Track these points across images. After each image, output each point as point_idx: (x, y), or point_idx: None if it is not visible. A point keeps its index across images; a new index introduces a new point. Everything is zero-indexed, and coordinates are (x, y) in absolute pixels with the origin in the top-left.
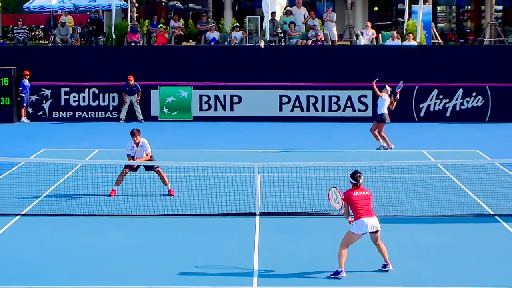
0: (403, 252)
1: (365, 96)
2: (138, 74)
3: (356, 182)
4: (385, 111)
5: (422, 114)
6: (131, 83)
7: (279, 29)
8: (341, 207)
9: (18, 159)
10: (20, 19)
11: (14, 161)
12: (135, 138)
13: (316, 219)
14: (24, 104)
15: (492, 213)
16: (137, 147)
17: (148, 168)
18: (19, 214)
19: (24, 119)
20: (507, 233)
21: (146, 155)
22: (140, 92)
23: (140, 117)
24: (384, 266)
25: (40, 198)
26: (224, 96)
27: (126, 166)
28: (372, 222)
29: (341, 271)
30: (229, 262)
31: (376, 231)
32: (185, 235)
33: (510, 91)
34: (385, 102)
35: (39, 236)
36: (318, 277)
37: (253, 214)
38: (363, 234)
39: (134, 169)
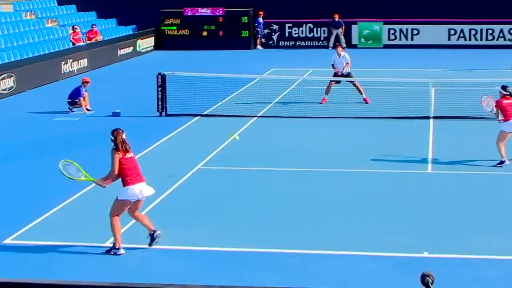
0: None
1: None
2: (343, 13)
3: (507, 93)
4: None
5: None
6: (337, 19)
7: None
8: (492, 109)
9: (255, 76)
10: None
11: (252, 77)
12: (338, 49)
13: (480, 122)
14: (259, 36)
15: None
16: (339, 57)
17: (349, 80)
18: (256, 116)
19: (259, 47)
20: None
21: (347, 64)
22: (344, 26)
23: (344, 45)
24: None
25: (272, 104)
26: (406, 29)
27: (332, 80)
28: None
29: (504, 160)
30: (409, 152)
31: None
32: (377, 132)
33: None
34: None
35: (270, 132)
36: (484, 165)
37: (428, 118)
38: None
39: (338, 81)
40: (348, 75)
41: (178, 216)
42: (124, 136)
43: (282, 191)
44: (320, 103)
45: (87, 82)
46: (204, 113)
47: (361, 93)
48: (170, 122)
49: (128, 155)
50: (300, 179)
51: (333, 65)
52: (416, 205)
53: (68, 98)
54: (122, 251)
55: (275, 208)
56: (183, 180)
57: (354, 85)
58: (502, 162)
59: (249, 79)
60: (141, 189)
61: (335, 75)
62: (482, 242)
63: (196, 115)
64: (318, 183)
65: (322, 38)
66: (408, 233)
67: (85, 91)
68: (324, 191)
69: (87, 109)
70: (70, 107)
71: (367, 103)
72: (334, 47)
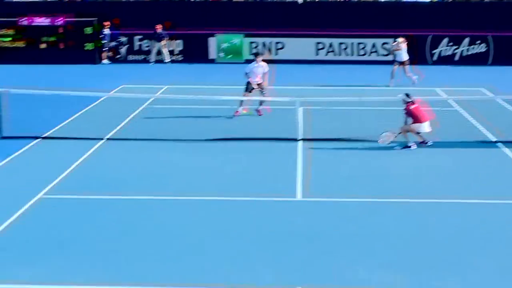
0: (418, 171)
1: (387, 43)
2: (200, 24)
3: (411, 99)
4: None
5: (435, 58)
6: (158, 31)
7: None
8: (396, 135)
9: (102, 93)
10: None
11: (98, 95)
12: (258, 59)
13: (350, 143)
14: (105, 49)
15: (494, 140)
16: (257, 66)
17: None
18: (103, 139)
19: (105, 61)
20: (505, 156)
21: (264, 73)
22: (167, 38)
23: (167, 59)
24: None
25: (120, 126)
26: (270, 43)
27: (246, 90)
28: (427, 125)
29: (411, 144)
30: (276, 178)
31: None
32: (240, 156)
33: (508, 39)
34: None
35: (119, 156)
36: (357, 191)
37: (295, 140)
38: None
39: (250, 91)
40: (260, 86)
41: (18, 251)
42: None
43: (129, 221)
44: (234, 115)
45: None
46: (44, 136)
47: (261, 104)
48: (6, 145)
49: None
50: (152, 207)
51: (247, 74)
52: (285, 236)
53: None
54: None
55: (125, 239)
56: (22, 211)
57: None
58: (408, 146)
59: (95, 97)
60: None
61: (249, 85)
62: (361, 276)
63: (36, 138)
64: (172, 212)
65: (177, 52)
66: (277, 267)
67: None
68: (179, 221)
69: None
70: None
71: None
72: (158, 61)
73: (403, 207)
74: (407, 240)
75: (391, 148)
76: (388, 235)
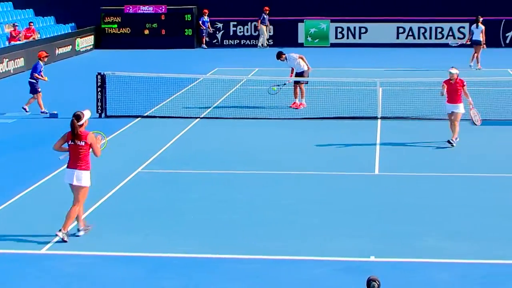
0: (487, 149)
1: (463, 27)
2: (288, 11)
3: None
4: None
5: (507, 41)
6: (267, 13)
7: None
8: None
9: (198, 76)
10: None
11: (195, 77)
12: (280, 59)
13: (427, 122)
14: (204, 34)
15: None
16: (287, 61)
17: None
18: (198, 117)
19: (203, 45)
20: None
21: (300, 58)
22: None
23: (265, 43)
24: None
25: (215, 105)
26: (354, 28)
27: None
28: (452, 108)
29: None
30: (356, 154)
31: (455, 113)
32: (324, 133)
33: None
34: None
35: (214, 134)
36: (431, 167)
37: (375, 118)
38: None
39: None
40: (301, 74)
41: (118, 221)
42: (78, 123)
43: (225, 194)
44: (291, 107)
45: (45, 56)
46: (145, 114)
47: (302, 96)
48: (110, 123)
49: (71, 142)
50: (244, 182)
51: (292, 69)
52: (363, 207)
53: (30, 78)
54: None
55: (219, 212)
56: (122, 184)
57: (300, 88)
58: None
59: (192, 79)
60: (66, 175)
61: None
62: (430, 245)
63: (136, 117)
64: (262, 186)
65: (267, 37)
66: (354, 237)
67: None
68: (268, 194)
69: (24, 109)
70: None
71: (300, 107)
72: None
73: (470, 181)
74: (474, 211)
75: (463, 127)
76: (456, 207)
